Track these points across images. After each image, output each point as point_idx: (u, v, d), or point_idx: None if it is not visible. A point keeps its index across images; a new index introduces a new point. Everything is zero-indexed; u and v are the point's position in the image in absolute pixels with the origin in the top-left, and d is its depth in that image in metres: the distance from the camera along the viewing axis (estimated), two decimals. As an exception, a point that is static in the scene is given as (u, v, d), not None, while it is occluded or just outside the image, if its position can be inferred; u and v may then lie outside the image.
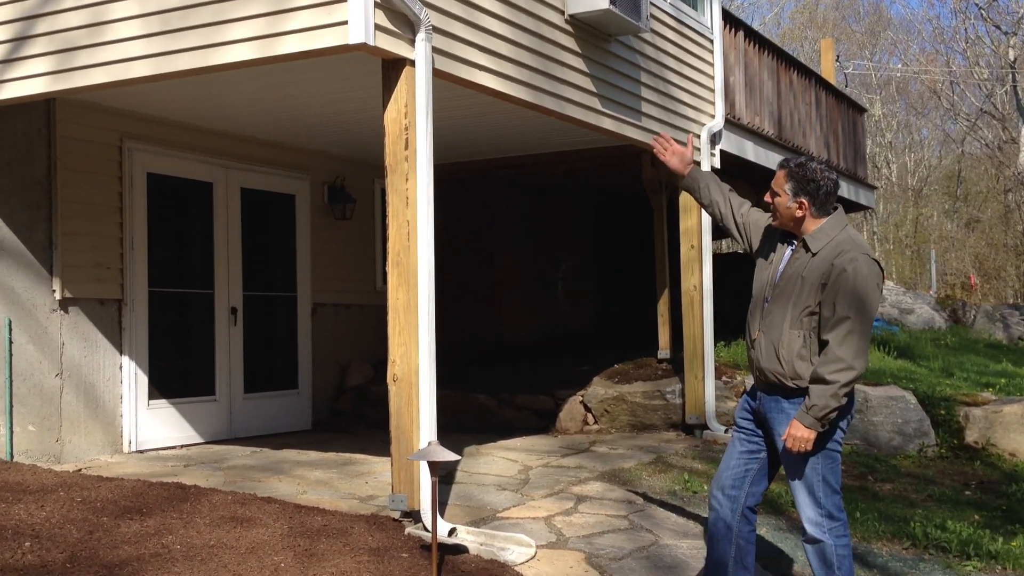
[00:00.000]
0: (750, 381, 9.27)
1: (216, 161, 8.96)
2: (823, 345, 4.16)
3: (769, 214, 4.56)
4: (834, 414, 4.10)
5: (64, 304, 7.64)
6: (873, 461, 8.25)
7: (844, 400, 4.09)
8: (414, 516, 5.59)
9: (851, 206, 15.96)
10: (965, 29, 35.59)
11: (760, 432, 4.48)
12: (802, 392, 4.20)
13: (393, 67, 5.72)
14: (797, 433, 4.12)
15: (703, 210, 9.46)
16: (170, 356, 8.57)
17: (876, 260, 4.20)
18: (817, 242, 4.25)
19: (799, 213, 4.30)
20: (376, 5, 5.43)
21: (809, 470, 4.24)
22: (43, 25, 6.37)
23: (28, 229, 7.44)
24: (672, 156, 4.84)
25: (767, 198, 4.42)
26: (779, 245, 4.46)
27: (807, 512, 4.29)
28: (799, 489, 4.30)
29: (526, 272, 12.95)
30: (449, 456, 4.74)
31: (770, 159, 11.39)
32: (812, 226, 4.30)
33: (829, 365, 4.08)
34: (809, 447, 4.12)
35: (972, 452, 8.64)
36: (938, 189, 38.49)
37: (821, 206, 4.30)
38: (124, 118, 8.09)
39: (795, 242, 4.37)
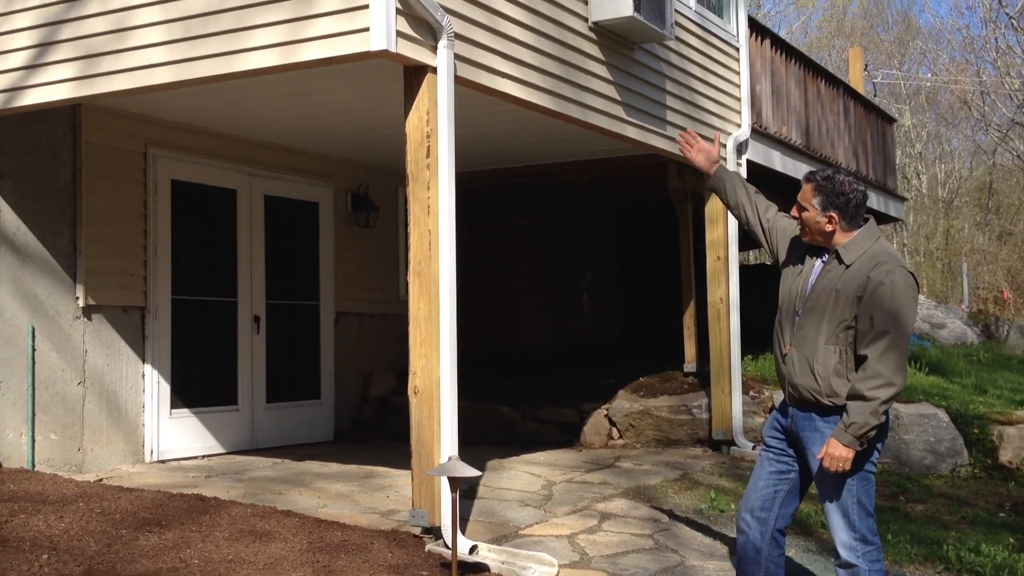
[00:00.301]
0: (778, 396, 9.13)
1: (240, 168, 8.92)
2: (859, 360, 4.03)
3: (795, 223, 4.44)
4: (873, 432, 3.96)
5: (87, 311, 7.61)
6: (905, 481, 8.08)
7: (883, 417, 3.96)
8: (435, 532, 5.50)
9: (881, 217, 15.76)
10: (996, 39, 35.18)
11: (791, 451, 4.35)
12: (837, 410, 4.07)
13: (415, 74, 5.65)
14: (835, 452, 3.98)
15: (729, 214, 9.33)
16: (192, 364, 8.53)
17: (912, 272, 4.08)
18: (851, 254, 4.12)
19: (829, 227, 4.17)
20: (398, 12, 5.36)
21: (844, 492, 4.11)
22: (67, 31, 6.35)
23: (52, 235, 7.41)
24: (698, 153, 4.72)
25: (794, 212, 4.30)
26: (807, 256, 4.32)
27: (841, 535, 4.15)
28: (833, 511, 4.16)
29: (550, 281, 12.84)
30: (469, 472, 4.64)
31: (798, 169, 11.24)
32: (843, 239, 4.17)
33: (868, 381, 3.94)
34: (847, 467, 3.98)
35: (1006, 472, 8.44)
36: (969, 201, 38.07)
37: (851, 219, 4.17)
38: (149, 124, 8.06)
39: (826, 254, 4.24)
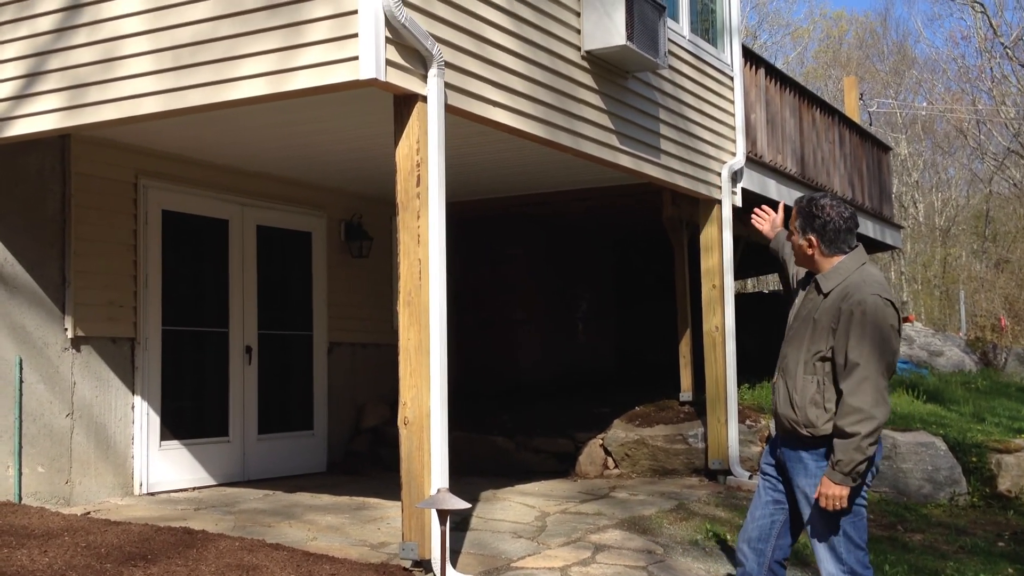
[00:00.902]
0: (775, 425, 9.06)
1: (231, 198, 8.88)
2: (839, 393, 3.97)
3: None
4: (863, 466, 3.89)
5: (76, 343, 7.54)
6: (903, 510, 7.99)
7: (871, 451, 3.88)
8: (425, 565, 5.41)
9: (877, 246, 15.73)
10: (991, 68, 35.39)
11: (784, 479, 4.29)
12: (816, 441, 4.01)
13: (405, 103, 5.62)
14: (829, 491, 3.91)
15: (724, 244, 9.31)
16: (183, 396, 8.45)
17: (890, 300, 3.95)
18: (829, 282, 4.07)
19: (809, 251, 4.15)
20: (387, 40, 5.34)
21: (831, 525, 4.03)
22: (55, 61, 6.33)
23: (40, 266, 7.36)
24: (768, 225, 4.81)
25: (786, 238, 4.29)
26: (801, 285, 4.32)
27: (827, 567, 4.08)
28: (821, 544, 4.10)
29: (546, 310, 12.79)
30: (459, 504, 4.57)
31: (793, 198, 11.19)
32: (826, 265, 4.12)
33: (847, 417, 3.87)
34: (843, 504, 3.91)
35: (1005, 501, 8.35)
36: (966, 229, 38.12)
37: (831, 243, 4.11)
38: (139, 155, 8.03)
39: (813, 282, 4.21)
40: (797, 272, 4.46)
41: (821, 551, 4.08)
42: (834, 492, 3.89)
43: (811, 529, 4.11)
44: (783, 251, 4.70)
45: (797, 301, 4.26)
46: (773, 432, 9.21)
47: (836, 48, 42.15)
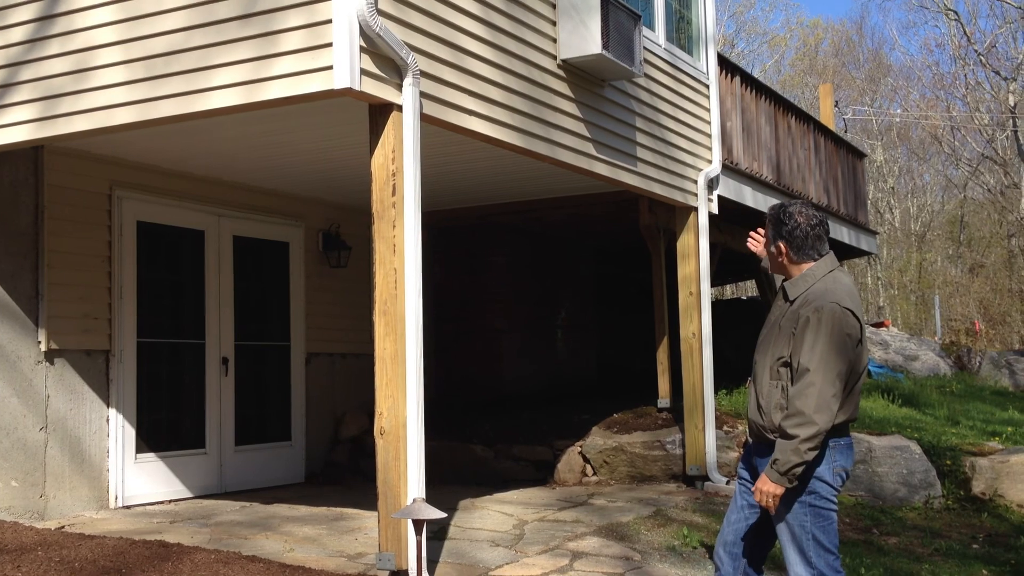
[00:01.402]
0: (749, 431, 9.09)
1: (208, 209, 8.85)
2: None
3: None
4: (799, 469, 3.89)
5: (50, 356, 7.49)
6: (878, 513, 8.03)
7: (809, 455, 3.87)
8: (402, 575, 5.39)
9: (853, 252, 15.83)
10: (965, 75, 35.71)
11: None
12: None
13: (380, 112, 5.62)
14: (763, 487, 3.96)
15: (701, 251, 9.33)
16: (159, 408, 8.40)
17: (850, 309, 3.95)
18: (796, 289, 4.11)
19: (780, 259, 4.19)
20: (362, 50, 5.34)
21: (798, 528, 4.05)
22: (27, 72, 6.29)
23: (13, 279, 7.30)
24: (762, 247, 4.67)
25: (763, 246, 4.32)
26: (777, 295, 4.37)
27: (797, 570, 4.08)
28: (788, 547, 4.11)
29: (526, 319, 12.79)
30: (434, 514, 4.56)
31: (769, 204, 11.27)
32: (795, 272, 4.16)
33: (789, 419, 3.91)
34: (775, 503, 3.95)
35: (979, 503, 8.41)
36: (941, 234, 38.41)
37: (799, 250, 4.13)
38: (114, 166, 7.99)
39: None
40: (778, 282, 4.49)
41: (791, 555, 4.09)
42: (767, 488, 3.93)
43: (781, 533, 4.12)
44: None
45: (772, 309, 4.30)
46: (750, 438, 9.24)
47: (812, 56, 42.42)
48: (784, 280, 4.25)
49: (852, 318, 3.94)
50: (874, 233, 16.62)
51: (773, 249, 4.18)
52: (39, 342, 7.41)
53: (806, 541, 4.03)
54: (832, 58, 42.55)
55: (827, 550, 4.04)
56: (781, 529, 4.10)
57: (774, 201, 11.41)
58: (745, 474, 4.37)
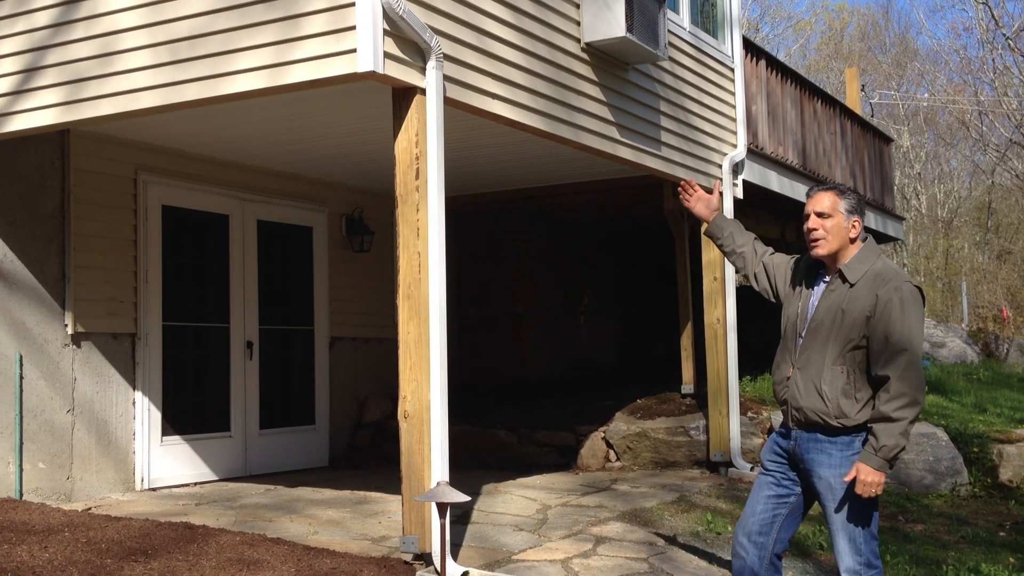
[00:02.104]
0: (777, 417, 9.04)
1: (232, 193, 8.87)
2: (873, 381, 3.96)
3: (792, 256, 4.43)
4: (904, 453, 3.90)
5: (76, 339, 7.54)
6: (904, 501, 7.98)
7: (909, 439, 3.89)
8: (425, 559, 5.41)
9: (879, 237, 15.70)
10: (993, 59, 35.28)
11: (792, 475, 4.25)
12: (845, 431, 4.00)
13: (403, 96, 5.61)
14: (867, 478, 3.87)
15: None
16: (184, 391, 8.45)
17: (919, 287, 4.02)
18: (855, 272, 4.06)
19: (853, 233, 4.12)
20: (385, 33, 5.32)
21: (856, 516, 4.01)
22: (53, 56, 6.32)
23: (40, 262, 7.35)
24: (697, 202, 4.70)
25: (812, 224, 4.15)
26: (806, 280, 4.28)
27: (847, 560, 4.05)
28: (841, 536, 4.06)
29: (548, 304, 12.77)
30: (458, 497, 4.56)
31: (795, 189, 11.20)
32: (850, 254, 4.11)
33: (894, 402, 3.85)
34: (880, 491, 3.90)
35: (1006, 491, 8.34)
36: (968, 220, 38.05)
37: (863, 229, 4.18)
38: (139, 150, 8.02)
39: (826, 275, 4.19)
40: (788, 273, 4.40)
41: (842, 543, 4.05)
42: (872, 479, 3.86)
43: (835, 521, 4.06)
44: (733, 243, 4.61)
45: (812, 298, 4.18)
46: (775, 425, 9.17)
47: (838, 40, 42.04)
48: (820, 267, 4.20)
49: (922, 296, 4.01)
50: (901, 219, 16.49)
51: (848, 224, 4.09)
52: (66, 325, 7.46)
53: (860, 529, 4.00)
54: (858, 42, 42.17)
55: (873, 537, 4.05)
56: (839, 518, 4.04)
57: (800, 186, 11.33)
58: (773, 465, 4.30)
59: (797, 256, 4.49)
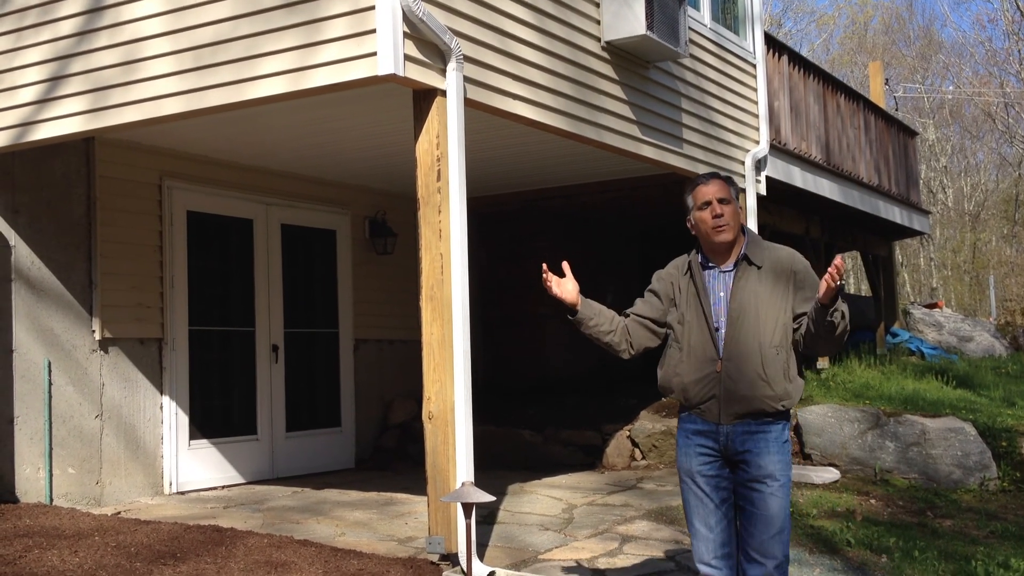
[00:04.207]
0: (805, 415, 8.99)
1: (255, 198, 8.92)
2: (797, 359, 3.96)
3: (657, 279, 4.27)
4: (841, 314, 3.73)
5: (104, 344, 7.61)
6: (932, 496, 7.93)
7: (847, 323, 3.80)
8: (452, 559, 5.42)
9: (905, 232, 15.60)
10: (1019, 51, 34.98)
11: (727, 473, 3.98)
12: (779, 415, 3.91)
13: (424, 97, 5.63)
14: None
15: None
16: (211, 395, 8.51)
17: None
18: (759, 256, 3.98)
19: (742, 219, 4.08)
20: (406, 35, 5.34)
21: (785, 508, 3.88)
22: (77, 65, 6.38)
23: (67, 269, 7.43)
24: (568, 290, 4.31)
25: (719, 209, 3.96)
26: (691, 278, 4.07)
27: (776, 553, 3.86)
28: (774, 527, 3.86)
29: (572, 305, 12.74)
30: (483, 497, 4.57)
31: (819, 185, 11.14)
32: (740, 240, 4.03)
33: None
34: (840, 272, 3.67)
35: (1037, 485, 8.26)
36: (996, 213, 37.71)
37: None
38: (163, 156, 8.09)
39: (714, 265, 4.02)
40: (669, 289, 4.18)
41: (776, 537, 3.86)
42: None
43: (771, 510, 3.87)
44: (609, 323, 4.34)
45: (717, 290, 4.00)
46: (801, 423, 9.09)
47: (862, 34, 41.75)
48: (708, 262, 4.07)
49: None
50: (927, 213, 16.36)
51: (739, 208, 4.06)
52: (93, 331, 7.53)
53: (786, 519, 3.89)
54: (882, 36, 41.87)
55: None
56: (776, 507, 3.86)
57: (824, 182, 11.28)
58: (709, 470, 3.98)
59: (658, 272, 4.31)
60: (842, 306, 3.73)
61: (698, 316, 4.02)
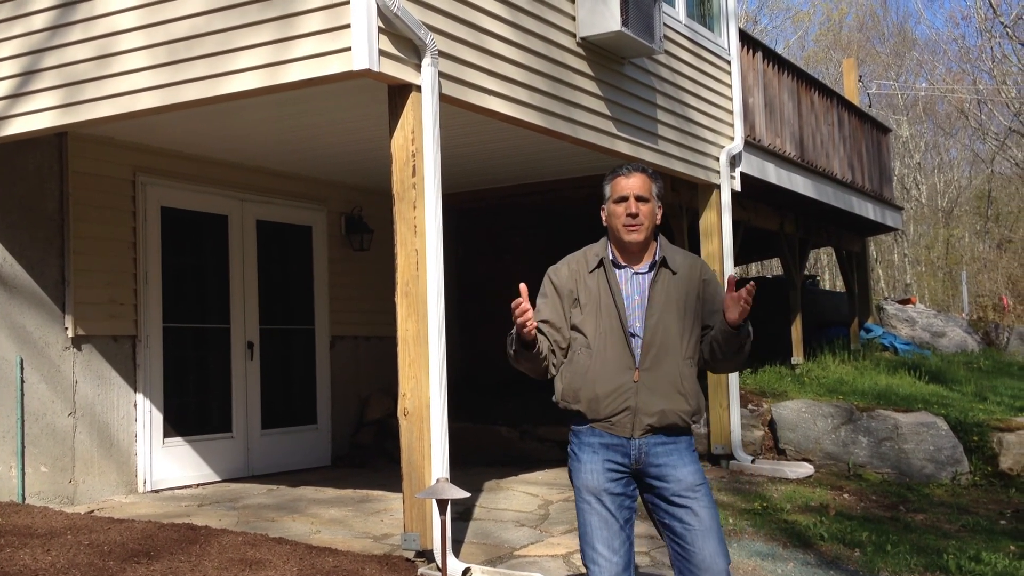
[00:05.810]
0: (779, 410, 9.05)
1: (231, 193, 8.88)
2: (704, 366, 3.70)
3: (557, 274, 3.88)
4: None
5: (77, 341, 7.55)
6: (905, 490, 8.00)
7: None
8: (427, 556, 5.42)
9: (879, 228, 15.71)
10: (991, 48, 35.22)
11: (633, 490, 3.64)
12: (689, 429, 3.67)
13: (399, 93, 5.62)
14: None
15: (723, 228, 9.26)
16: (186, 392, 8.46)
17: None
18: (675, 261, 3.70)
19: (659, 220, 3.74)
20: (380, 31, 5.33)
21: (716, 511, 3.62)
22: (51, 59, 6.33)
23: (40, 265, 7.37)
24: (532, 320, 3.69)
25: (635, 208, 3.63)
26: (601, 279, 3.71)
27: (720, 562, 3.53)
28: (712, 536, 3.54)
29: (548, 301, 12.74)
30: (458, 494, 4.57)
31: (792, 181, 11.20)
32: (652, 242, 3.72)
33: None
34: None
35: (1007, 479, 8.36)
36: (968, 210, 38.02)
37: None
38: (137, 152, 8.03)
39: (626, 267, 3.69)
40: (573, 287, 3.80)
41: (714, 544, 3.53)
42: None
43: (704, 521, 3.55)
44: (544, 347, 3.77)
45: (630, 293, 3.67)
46: (777, 419, 9.13)
47: (836, 31, 41.95)
48: (619, 264, 3.73)
49: None
50: (900, 209, 16.48)
51: (658, 209, 3.72)
52: (66, 328, 7.47)
53: (720, 528, 3.63)
54: (856, 33, 42.09)
55: None
56: (708, 517, 3.56)
57: (798, 178, 11.33)
58: (617, 487, 3.60)
59: (554, 268, 3.93)
60: (749, 327, 3.53)
61: (611, 320, 3.65)
